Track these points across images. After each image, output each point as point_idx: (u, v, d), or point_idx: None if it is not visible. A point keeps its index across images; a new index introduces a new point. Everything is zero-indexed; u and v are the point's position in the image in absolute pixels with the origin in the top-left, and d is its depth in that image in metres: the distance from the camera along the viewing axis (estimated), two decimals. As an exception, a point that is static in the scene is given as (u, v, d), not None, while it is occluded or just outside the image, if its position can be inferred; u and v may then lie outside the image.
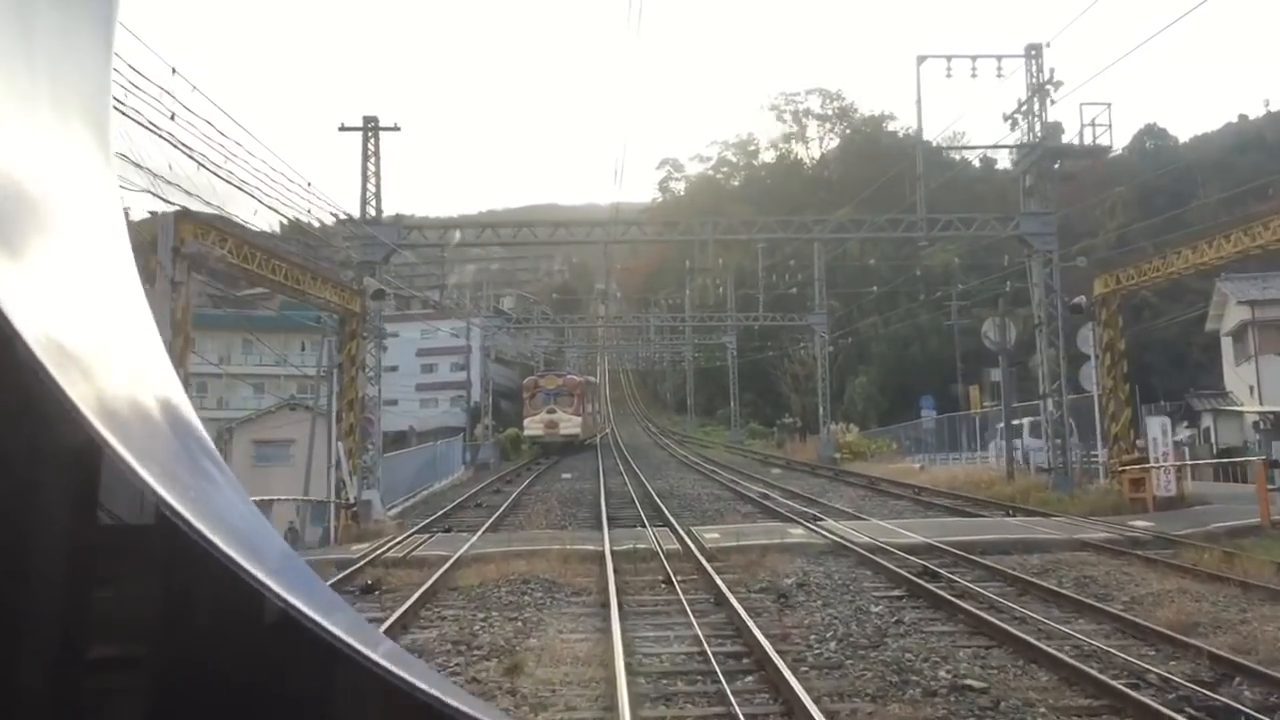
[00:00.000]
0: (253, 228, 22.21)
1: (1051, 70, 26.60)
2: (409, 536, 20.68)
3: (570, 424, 54.02)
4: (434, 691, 0.83)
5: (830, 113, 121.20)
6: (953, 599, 12.98)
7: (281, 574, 0.87)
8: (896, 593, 14.00)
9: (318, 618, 0.83)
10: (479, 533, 20.90)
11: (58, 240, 0.90)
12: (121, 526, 0.84)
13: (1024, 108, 26.87)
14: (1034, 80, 26.72)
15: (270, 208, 21.01)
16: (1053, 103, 25.90)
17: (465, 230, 26.24)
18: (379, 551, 18.41)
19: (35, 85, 0.90)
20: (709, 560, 16.39)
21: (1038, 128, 26.66)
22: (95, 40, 1.01)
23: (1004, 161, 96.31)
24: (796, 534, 19.44)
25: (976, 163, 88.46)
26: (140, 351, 0.98)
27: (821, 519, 22.24)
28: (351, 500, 22.10)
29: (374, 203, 25.69)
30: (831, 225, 27.46)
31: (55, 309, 0.85)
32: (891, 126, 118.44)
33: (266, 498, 19.65)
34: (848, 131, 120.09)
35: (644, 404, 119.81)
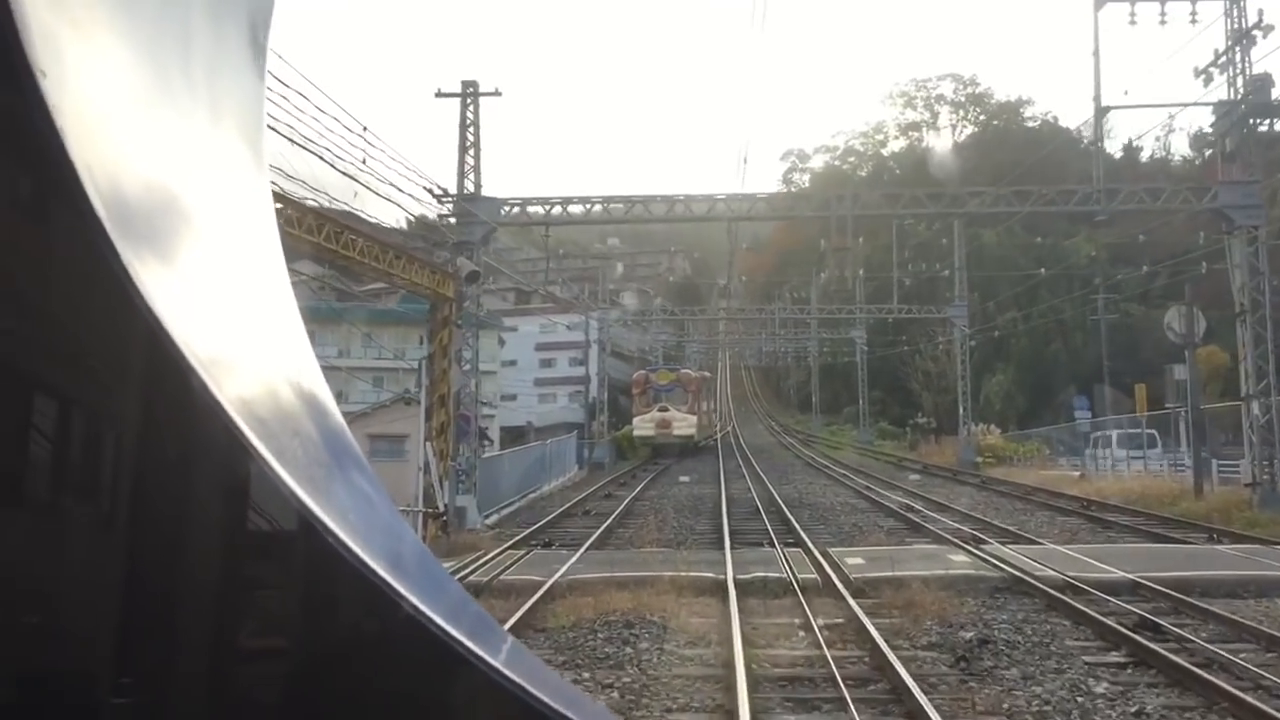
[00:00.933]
0: (373, 219, 19.95)
1: (1260, 13, 22.39)
2: (503, 552, 17.96)
3: (684, 423, 49.94)
4: (548, 700, 0.87)
5: (963, 99, 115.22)
6: (1197, 670, 9.48)
7: (413, 577, 0.90)
8: (1115, 658, 10.51)
9: (442, 622, 0.86)
10: (581, 550, 18.04)
11: (210, 242, 0.93)
12: (266, 529, 0.87)
13: (1223, 58, 22.66)
14: (1236, 25, 22.50)
15: (352, 178, 18.56)
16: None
17: (573, 206, 23.43)
18: (462, 574, 15.69)
19: (193, 95, 0.94)
20: (855, 596, 13.18)
21: (1240, 82, 22.44)
22: (247, 49, 1.04)
23: (1179, 143, 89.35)
24: (959, 562, 15.98)
25: (1118, 153, 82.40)
26: (290, 354, 1.00)
27: (983, 540, 18.71)
28: (441, 508, 19.49)
29: (472, 177, 23.13)
30: (988, 199, 23.73)
31: (205, 311, 0.88)
32: (1029, 112, 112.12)
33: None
34: (981, 118, 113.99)
35: (766, 401, 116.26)
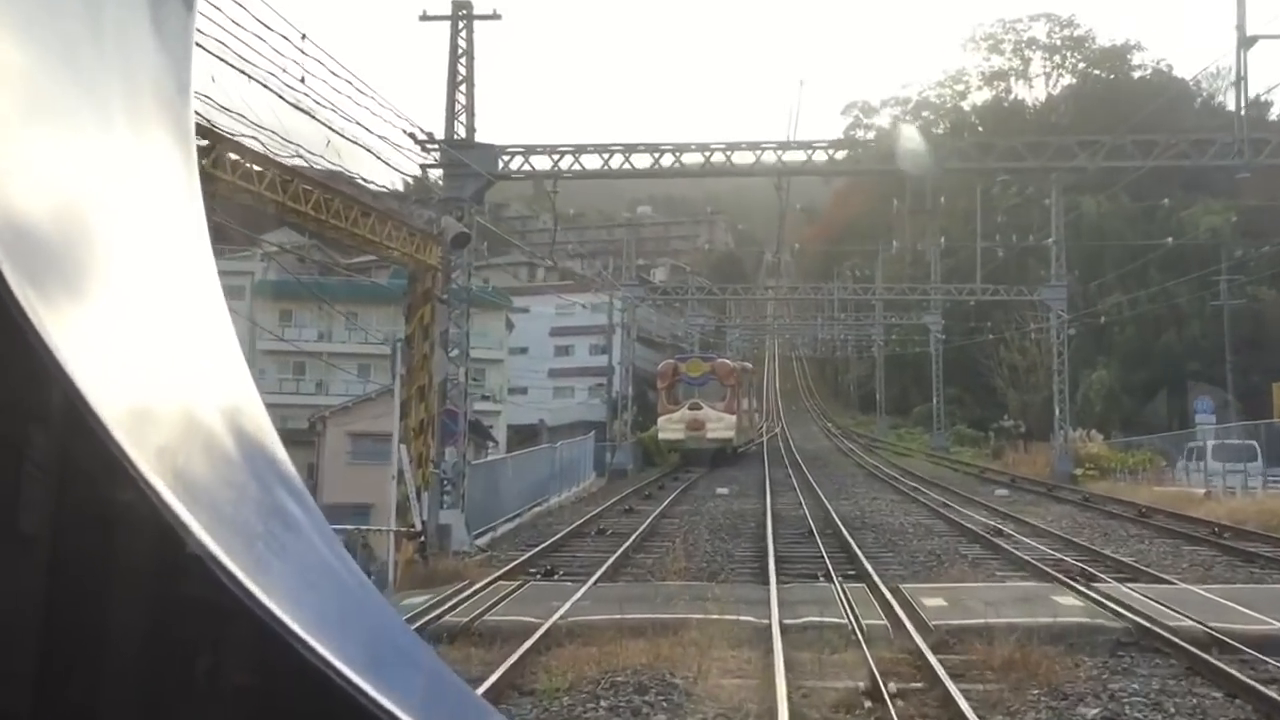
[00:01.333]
0: (367, 184, 18.81)
1: None
2: (493, 583, 16.75)
3: (720, 424, 47.09)
4: None
5: (1059, 43, 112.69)
6: None
7: (378, 655, 0.95)
8: (1292, 749, 9.11)
9: (379, 698, 0.84)
10: (590, 582, 16.79)
11: (122, 252, 0.93)
12: (194, 600, 0.85)
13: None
14: None
15: (323, 122, 17.31)
16: None
17: (588, 157, 22.08)
18: (439, 610, 14.48)
19: (106, 72, 0.95)
20: (937, 651, 11.84)
21: None
22: (172, 19, 1.05)
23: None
24: (1068, 607, 14.55)
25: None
26: (210, 365, 0.99)
27: (1096, 577, 17.28)
28: (418, 526, 18.28)
29: (464, 119, 21.84)
30: (1102, 150, 22.06)
31: (116, 340, 0.88)
32: (1137, 60, 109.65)
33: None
34: (1081, 66, 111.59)
35: (821, 398, 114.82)
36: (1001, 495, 34.72)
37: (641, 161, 22.10)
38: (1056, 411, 44.40)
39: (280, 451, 1.01)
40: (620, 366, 53.35)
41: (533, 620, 13.55)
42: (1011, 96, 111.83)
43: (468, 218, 21.56)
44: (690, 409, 47.07)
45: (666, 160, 21.98)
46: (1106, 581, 16.71)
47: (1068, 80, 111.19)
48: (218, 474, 0.93)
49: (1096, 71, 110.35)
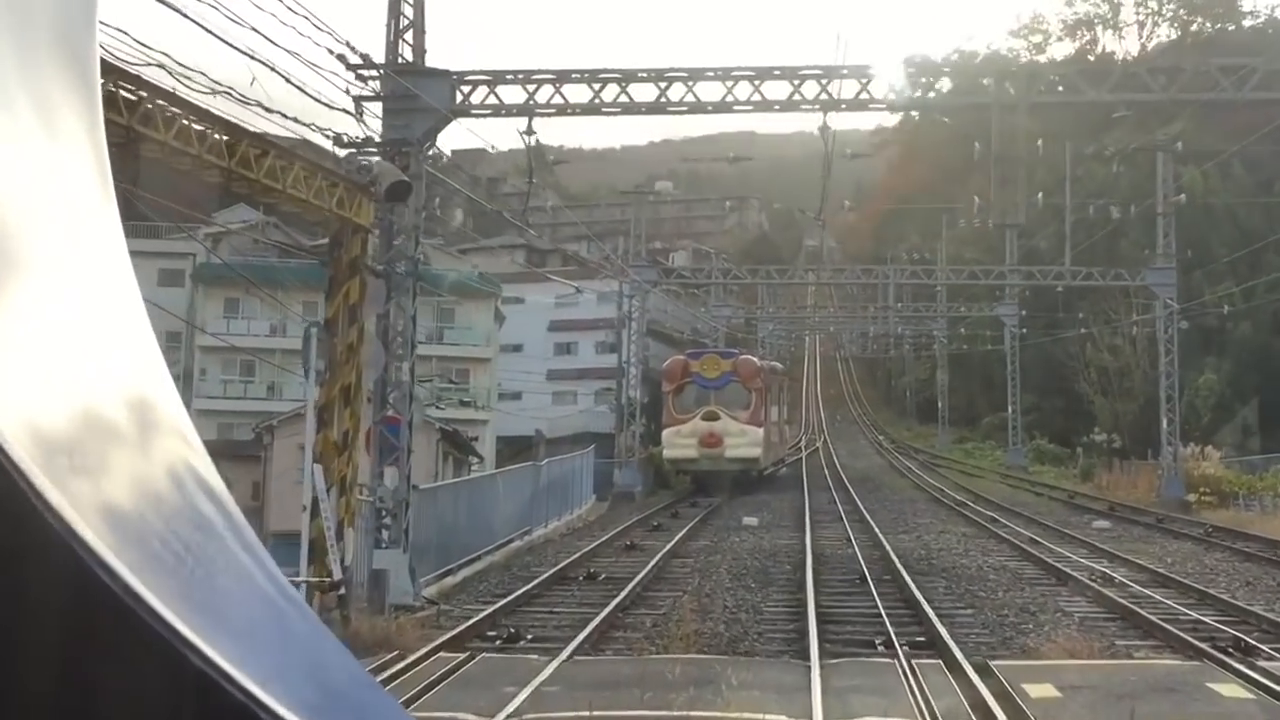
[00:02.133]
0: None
1: None
2: (432, 654, 14.14)
3: (743, 440, 42.36)
4: None
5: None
6: None
7: (274, 644, 0.97)
8: None
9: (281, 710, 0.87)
10: (564, 653, 14.19)
11: (17, 255, 0.94)
12: (115, 664, 0.86)
13: None
14: None
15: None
16: None
17: (572, 87, 19.40)
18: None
19: None
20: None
21: None
22: None
23: None
24: (1233, 699, 11.89)
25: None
26: (115, 359, 1.00)
27: (1254, 649, 14.61)
28: (336, 574, 15.66)
29: (411, 39, 19.20)
30: (1256, 76, 19.24)
31: (16, 361, 0.90)
32: (1249, 5, 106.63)
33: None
34: (1181, 13, 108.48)
35: (871, 406, 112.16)
36: (1101, 528, 31.98)
37: (643, 94, 19.40)
38: (1164, 423, 41.56)
39: (201, 454, 1.00)
40: (629, 366, 50.41)
41: (469, 721, 10.98)
42: (1099, 49, 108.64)
43: (416, 166, 18.95)
44: (705, 419, 42.68)
45: (676, 92, 19.23)
46: (1275, 659, 14.01)
47: (1165, 31, 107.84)
48: (125, 480, 0.90)
49: (1200, 20, 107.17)
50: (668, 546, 26.01)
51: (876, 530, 29.45)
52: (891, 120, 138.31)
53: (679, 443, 43.69)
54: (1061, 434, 71.63)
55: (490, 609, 18.12)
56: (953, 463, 65.85)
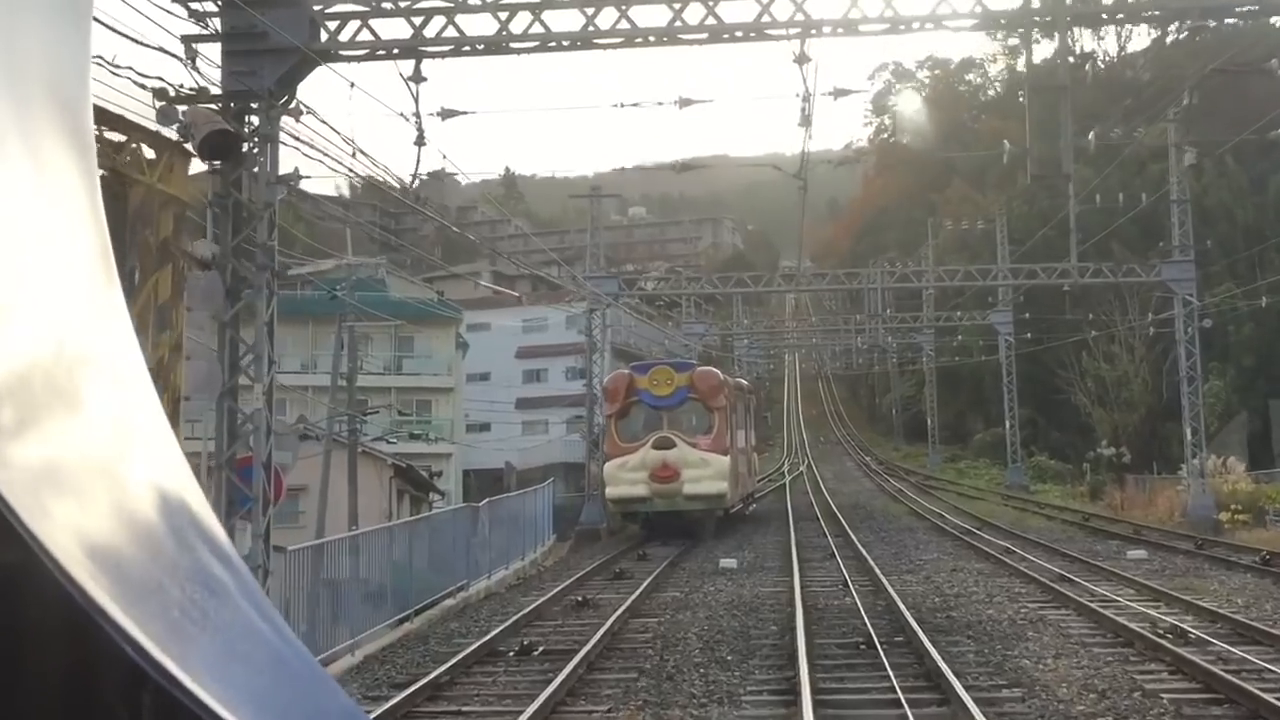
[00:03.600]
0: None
1: None
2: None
3: (705, 472, 33.97)
4: None
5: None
6: None
7: (288, 706, 0.97)
8: None
9: None
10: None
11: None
12: (56, 653, 0.85)
13: None
14: None
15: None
16: None
17: (472, 15, 14.77)
18: None
19: None
20: None
21: None
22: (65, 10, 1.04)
23: None
24: None
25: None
26: (111, 394, 0.97)
27: None
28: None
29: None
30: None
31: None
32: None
33: None
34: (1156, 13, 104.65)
35: (855, 426, 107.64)
36: (1138, 559, 27.28)
37: (564, 22, 14.72)
38: (1186, 434, 37.07)
39: (204, 507, 0.99)
40: (597, 390, 45.66)
41: None
42: (1078, 49, 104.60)
43: (268, 124, 14.27)
44: (656, 447, 34.00)
45: (606, 19, 14.53)
46: None
47: (1144, 29, 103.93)
48: (128, 534, 0.88)
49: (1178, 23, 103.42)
50: (628, 601, 21.23)
51: (876, 570, 24.81)
52: (864, 134, 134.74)
53: (624, 478, 34.54)
54: (1058, 449, 67.44)
55: (384, 705, 13.41)
56: (947, 484, 61.21)
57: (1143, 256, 47.95)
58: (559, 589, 23.84)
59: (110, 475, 0.90)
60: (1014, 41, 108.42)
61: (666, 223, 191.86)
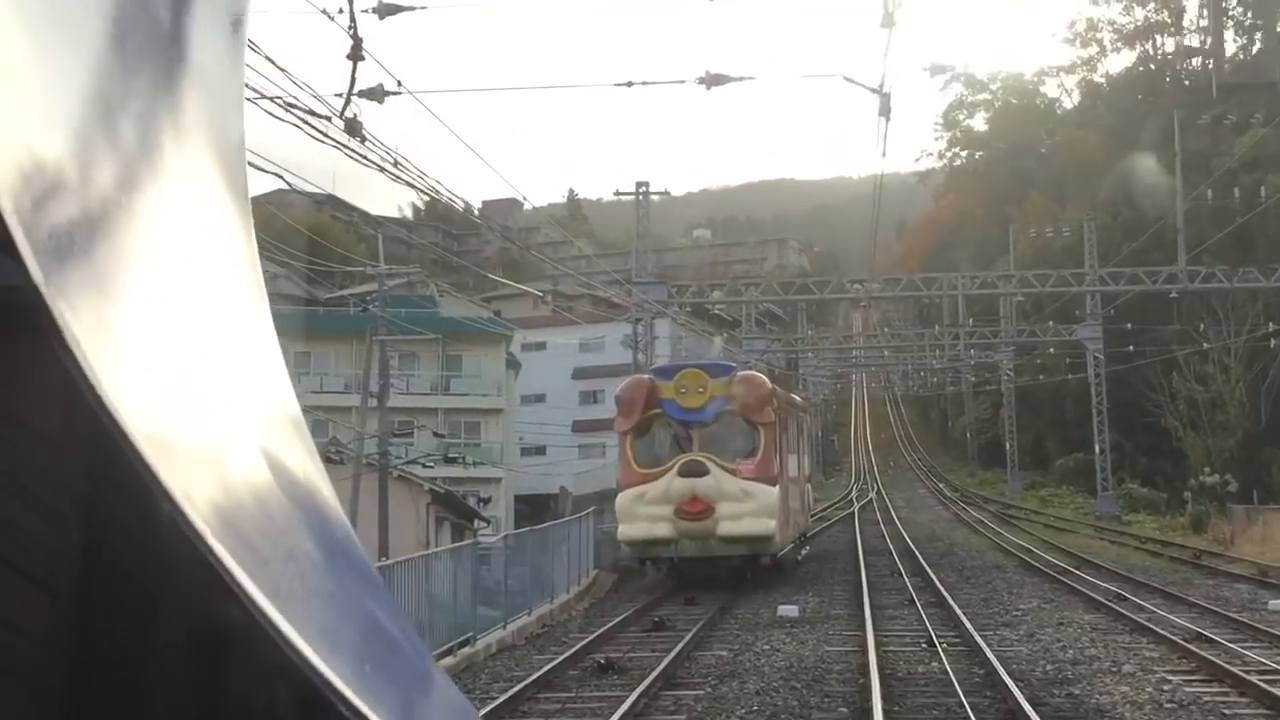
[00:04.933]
0: None
1: None
2: None
3: (745, 507, 26.25)
4: None
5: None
6: None
7: (403, 692, 0.99)
8: None
9: None
10: None
11: (164, 274, 0.96)
12: (247, 682, 0.88)
13: None
14: None
15: None
16: None
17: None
18: None
19: (149, 90, 0.98)
20: None
21: None
22: (224, 38, 1.10)
23: None
24: None
25: None
26: (272, 424, 1.03)
27: None
28: None
29: None
30: None
31: (154, 363, 0.91)
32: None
33: None
34: (1249, 17, 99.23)
35: (926, 450, 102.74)
36: (1282, 609, 22.63)
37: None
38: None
39: (334, 501, 1.04)
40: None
41: None
42: (1159, 53, 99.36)
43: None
44: (683, 474, 26.40)
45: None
46: None
47: (1233, 35, 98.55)
48: (256, 504, 0.93)
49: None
50: (662, 665, 17.02)
51: (965, 621, 20.45)
52: (935, 148, 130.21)
53: (642, 514, 26.73)
54: (1146, 476, 62.43)
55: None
56: (1030, 513, 56.30)
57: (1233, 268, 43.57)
58: (583, 643, 19.62)
59: (252, 468, 0.93)
60: (1086, 53, 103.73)
61: (730, 244, 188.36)
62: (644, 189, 41.74)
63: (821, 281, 49.20)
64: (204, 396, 0.93)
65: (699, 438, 27.17)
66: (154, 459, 0.80)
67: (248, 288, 1.05)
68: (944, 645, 18.26)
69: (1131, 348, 55.98)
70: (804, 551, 34.86)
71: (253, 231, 1.07)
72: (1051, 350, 63.56)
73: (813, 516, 40.59)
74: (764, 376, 30.40)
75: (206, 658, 0.86)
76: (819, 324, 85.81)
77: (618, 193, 44.34)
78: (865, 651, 17.58)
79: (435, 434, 51.73)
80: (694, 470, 26.39)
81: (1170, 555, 34.84)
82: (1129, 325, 52.29)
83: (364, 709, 0.84)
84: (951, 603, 23.06)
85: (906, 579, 28.13)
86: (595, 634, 20.88)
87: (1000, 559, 34.61)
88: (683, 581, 27.21)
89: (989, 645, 17.82)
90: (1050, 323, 58.71)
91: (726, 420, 27.22)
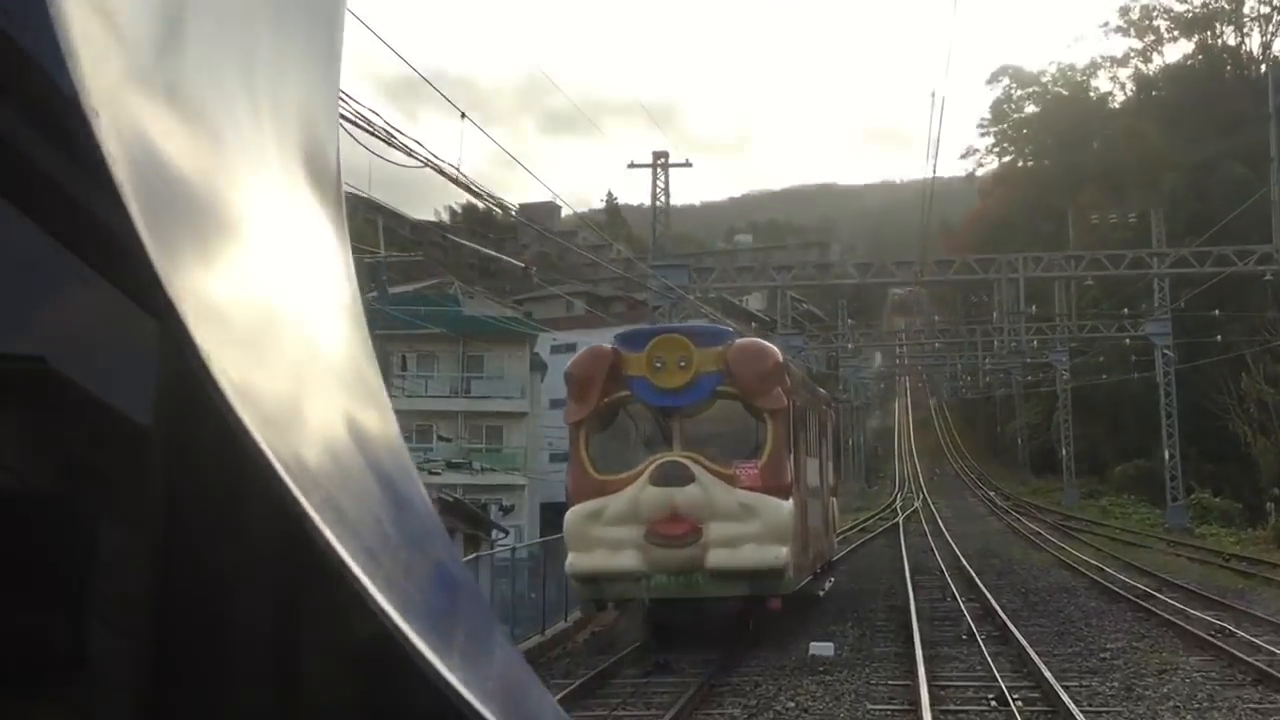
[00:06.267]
0: None
1: None
2: None
3: (747, 529, 18.18)
4: None
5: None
6: None
7: (483, 666, 1.00)
8: None
9: None
10: None
11: (263, 257, 1.01)
12: (274, 567, 0.92)
13: None
14: None
15: None
16: None
17: None
18: None
19: (249, 94, 1.03)
20: None
21: None
22: (319, 54, 1.16)
23: None
24: None
25: None
26: (358, 397, 1.06)
27: None
28: None
29: None
30: None
31: (251, 333, 0.96)
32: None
33: None
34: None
35: (974, 457, 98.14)
36: None
37: None
38: None
39: (426, 500, 1.07)
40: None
41: None
42: (1219, 44, 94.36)
43: None
44: (658, 481, 18.43)
45: None
46: None
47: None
48: (343, 475, 0.95)
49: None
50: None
51: (1040, 665, 16.24)
52: (982, 144, 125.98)
53: (599, 537, 18.63)
54: (1213, 483, 57.80)
55: None
56: (1091, 524, 51.72)
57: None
58: (564, 693, 15.50)
59: (325, 418, 0.97)
60: (1139, 43, 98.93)
61: (771, 247, 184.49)
62: (663, 160, 37.80)
63: (864, 264, 44.58)
64: (312, 390, 0.97)
65: (681, 431, 19.09)
66: (270, 447, 0.82)
67: (345, 296, 1.08)
68: (1019, 703, 14.10)
69: (1219, 337, 51.19)
70: (827, 585, 26.95)
71: (349, 246, 1.11)
72: (1125, 342, 58.34)
73: (853, 528, 35.88)
74: (773, 347, 21.73)
75: (280, 589, 0.89)
76: (863, 325, 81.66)
77: (632, 164, 40.07)
78: (919, 711, 13.48)
79: (441, 438, 47.95)
80: (673, 476, 18.38)
81: (1263, 575, 30.32)
82: (1216, 312, 47.54)
83: (434, 660, 0.84)
84: (1019, 637, 18.80)
85: (961, 603, 23.91)
86: (586, 677, 16.80)
87: (1068, 579, 30.17)
88: (655, 633, 19.80)
89: (1078, 703, 13.67)
90: (1125, 309, 53.96)
91: (720, 406, 19.27)
